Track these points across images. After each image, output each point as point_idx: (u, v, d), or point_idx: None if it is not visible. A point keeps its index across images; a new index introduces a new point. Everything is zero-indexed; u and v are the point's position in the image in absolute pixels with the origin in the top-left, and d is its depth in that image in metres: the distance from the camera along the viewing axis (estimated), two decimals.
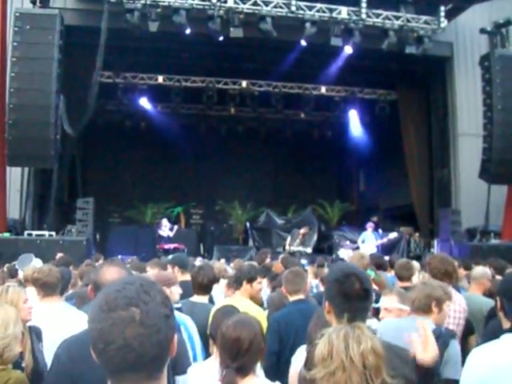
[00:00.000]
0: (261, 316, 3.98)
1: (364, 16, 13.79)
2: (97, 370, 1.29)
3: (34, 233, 12.29)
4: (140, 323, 1.20)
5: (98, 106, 16.19)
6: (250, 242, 18.74)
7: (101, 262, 7.84)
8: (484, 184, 14.19)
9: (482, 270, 5.27)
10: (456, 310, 4.00)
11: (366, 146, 20.59)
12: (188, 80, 18.30)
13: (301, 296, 4.28)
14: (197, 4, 13.22)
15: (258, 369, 2.72)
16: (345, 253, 14.28)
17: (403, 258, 7.30)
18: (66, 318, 3.51)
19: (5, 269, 7.22)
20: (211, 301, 5.05)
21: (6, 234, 12.09)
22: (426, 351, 2.18)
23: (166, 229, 16.23)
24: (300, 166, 22.97)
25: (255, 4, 13.53)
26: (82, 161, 19.37)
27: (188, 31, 13.47)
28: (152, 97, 19.01)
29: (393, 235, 15.17)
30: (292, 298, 4.29)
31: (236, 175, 22.02)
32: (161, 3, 13.08)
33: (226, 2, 13.35)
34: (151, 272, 5.85)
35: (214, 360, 2.90)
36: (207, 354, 3.62)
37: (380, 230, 15.69)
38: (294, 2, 13.58)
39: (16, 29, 11.62)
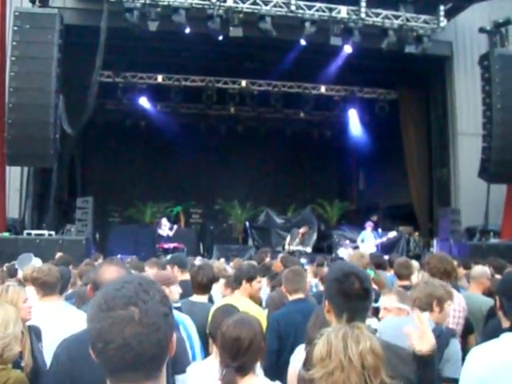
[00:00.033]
0: (260, 315, 3.98)
1: (363, 15, 13.78)
2: (96, 370, 1.29)
3: (34, 232, 12.28)
4: (139, 322, 1.20)
5: (98, 106, 16.18)
6: (250, 242, 18.74)
7: (100, 261, 7.84)
8: (483, 183, 14.20)
9: (481, 269, 5.28)
10: (455, 309, 4.00)
11: (365, 145, 20.59)
12: (187, 79, 18.29)
13: (300, 295, 4.28)
14: (196, 3, 13.21)
15: (258, 368, 2.72)
16: (344, 252, 14.28)
17: (402, 257, 7.30)
18: (65, 317, 3.51)
19: (4, 268, 7.22)
20: (210, 300, 5.05)
21: (6, 234, 12.09)
22: (422, 342, 2.18)
23: (165, 228, 16.23)
24: (299, 166, 22.99)
25: (255, 3, 13.51)
26: (82, 160, 19.37)
27: (187, 30, 13.47)
28: (151, 96, 19.00)
29: (392, 234, 15.17)
30: (292, 297, 4.29)
31: (235, 174, 22.03)
32: (160, 2, 13.06)
33: (225, 1, 13.34)
34: (150, 271, 5.85)
35: (214, 359, 2.90)
36: (206, 354, 3.62)
37: (380, 230, 15.69)
38: (293, 2, 13.57)
39: (15, 28, 11.61)
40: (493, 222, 14.49)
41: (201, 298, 4.57)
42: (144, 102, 19.24)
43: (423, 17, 14.32)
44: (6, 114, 11.64)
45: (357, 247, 13.93)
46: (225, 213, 21.35)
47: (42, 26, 11.72)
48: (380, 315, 3.62)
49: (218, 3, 13.20)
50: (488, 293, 4.87)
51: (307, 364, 1.88)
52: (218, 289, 5.67)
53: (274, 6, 13.56)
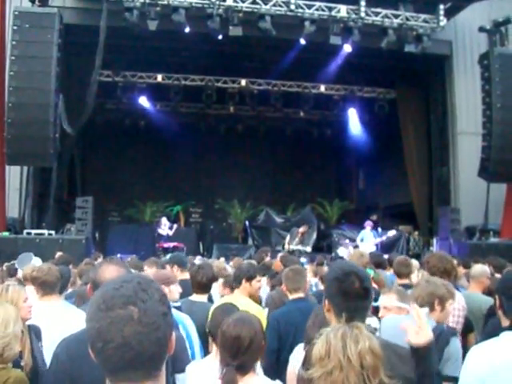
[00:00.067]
0: (260, 314, 3.98)
1: (363, 14, 13.78)
2: (96, 369, 1.29)
3: (33, 231, 12.27)
4: (138, 321, 1.20)
5: (97, 105, 16.18)
6: (250, 241, 18.76)
7: (100, 260, 7.83)
8: (483, 182, 14.20)
9: (481, 269, 5.27)
10: (455, 308, 4.00)
11: (365, 144, 20.60)
12: (187, 79, 18.29)
13: (301, 294, 4.28)
14: (196, 2, 13.21)
15: (258, 367, 2.72)
16: (344, 251, 14.28)
17: (402, 255, 7.30)
18: (65, 316, 3.50)
19: (4, 268, 7.22)
20: (210, 299, 5.05)
21: (5, 233, 12.09)
22: (419, 336, 2.18)
23: (165, 227, 16.23)
24: (299, 165, 22.99)
25: (254, 2, 13.51)
26: (82, 159, 19.38)
27: (187, 30, 13.47)
28: (151, 95, 19.00)
29: (391, 233, 15.18)
30: (292, 296, 4.29)
31: (235, 174, 22.05)
32: (160, 2, 13.06)
33: (225, 0, 13.33)
34: (149, 271, 5.85)
35: (213, 358, 2.90)
36: (206, 353, 3.61)
37: (379, 229, 15.69)
38: (293, 1, 13.57)
39: (15, 27, 11.61)
40: (492, 221, 14.49)
41: (200, 298, 4.57)
42: (144, 101, 19.24)
43: (423, 16, 14.32)
44: (6, 113, 11.64)
45: (356, 246, 13.93)
46: (224, 212, 21.37)
47: (42, 26, 11.71)
48: (380, 314, 3.62)
49: (217, 2, 13.19)
50: (488, 292, 4.87)
51: (306, 363, 1.88)
52: (217, 288, 5.67)
53: (274, 5, 13.56)
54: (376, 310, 3.76)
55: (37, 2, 12.29)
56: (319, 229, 19.44)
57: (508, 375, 2.18)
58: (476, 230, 14.64)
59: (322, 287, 5.78)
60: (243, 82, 18.68)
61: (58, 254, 8.69)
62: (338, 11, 13.88)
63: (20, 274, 6.01)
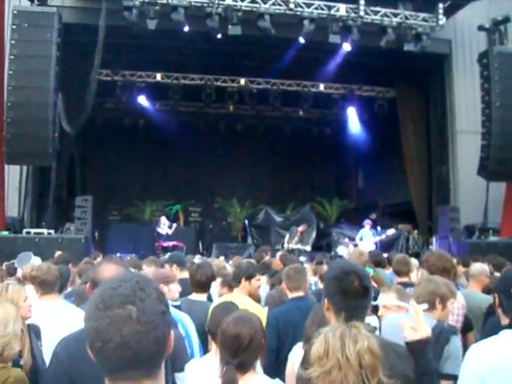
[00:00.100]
0: (259, 313, 3.98)
1: (362, 13, 13.77)
2: (95, 368, 1.29)
3: (33, 231, 12.28)
4: (137, 321, 1.20)
5: (97, 104, 16.19)
6: (249, 240, 18.76)
7: (99, 259, 7.83)
8: (483, 181, 14.20)
9: (480, 267, 5.28)
10: (455, 306, 4.00)
11: (364, 143, 20.61)
12: (186, 78, 18.28)
13: (300, 293, 4.28)
14: (195, 2, 13.20)
15: (258, 365, 2.72)
16: (343, 250, 14.29)
17: (401, 254, 7.30)
18: (64, 315, 3.50)
19: (3, 267, 7.22)
20: (210, 298, 5.05)
21: (5, 233, 12.09)
22: (415, 332, 2.18)
23: (164, 227, 16.23)
24: (298, 164, 23.00)
25: (253, 1, 13.50)
26: (81, 159, 19.38)
27: (186, 29, 13.46)
28: (150, 94, 19.00)
29: (391, 232, 15.17)
30: (291, 295, 4.29)
31: (234, 173, 22.05)
32: (159, 1, 13.05)
33: None
34: (147, 270, 5.85)
35: (213, 356, 2.90)
36: (205, 352, 3.61)
37: (378, 227, 15.69)
38: (292, 0, 13.56)
39: (14, 27, 11.58)
40: (492, 220, 14.49)
41: (200, 297, 4.58)
42: (143, 100, 19.24)
43: (422, 15, 14.32)
44: (5, 112, 11.62)
45: (356, 245, 13.94)
46: (224, 211, 21.38)
47: (41, 25, 11.70)
48: (379, 313, 3.63)
49: (216, 1, 13.18)
50: (487, 290, 4.87)
51: (305, 363, 1.88)
52: (216, 287, 5.67)
53: (273, 4, 13.55)
54: (375, 309, 3.76)
55: (36, 1, 12.28)
56: (318, 227, 19.45)
57: (508, 373, 2.18)
58: (475, 229, 14.65)
59: (321, 286, 5.77)
60: (242, 81, 18.68)
61: (58, 253, 8.69)
62: (337, 10, 13.88)
63: (19, 273, 6.02)
